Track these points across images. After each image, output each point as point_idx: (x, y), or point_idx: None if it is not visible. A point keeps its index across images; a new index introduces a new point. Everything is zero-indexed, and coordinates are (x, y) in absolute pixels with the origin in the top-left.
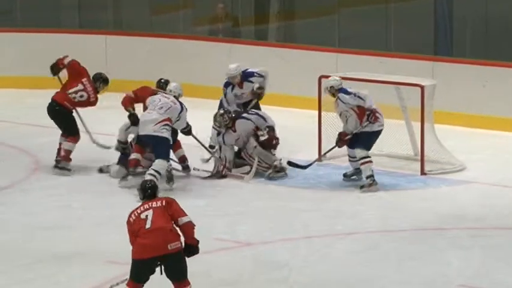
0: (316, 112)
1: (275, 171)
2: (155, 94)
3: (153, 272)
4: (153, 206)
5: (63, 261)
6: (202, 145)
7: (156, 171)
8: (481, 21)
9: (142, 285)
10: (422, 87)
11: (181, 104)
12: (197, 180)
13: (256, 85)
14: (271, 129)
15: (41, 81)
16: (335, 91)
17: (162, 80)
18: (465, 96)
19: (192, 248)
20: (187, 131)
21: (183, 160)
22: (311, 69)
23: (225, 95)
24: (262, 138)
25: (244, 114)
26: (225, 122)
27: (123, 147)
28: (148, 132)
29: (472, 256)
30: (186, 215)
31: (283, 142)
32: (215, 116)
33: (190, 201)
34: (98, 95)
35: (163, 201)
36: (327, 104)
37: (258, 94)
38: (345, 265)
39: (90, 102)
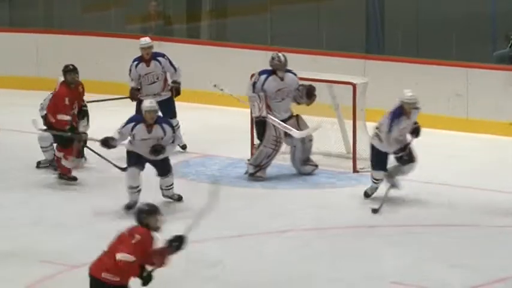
0: (248, 110)
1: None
2: None
3: None
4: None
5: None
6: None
7: None
8: (413, 19)
9: None
10: (354, 85)
11: None
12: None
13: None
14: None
15: None
16: None
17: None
18: (397, 94)
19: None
20: None
21: None
22: (243, 67)
23: (130, 71)
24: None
25: None
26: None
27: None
28: None
29: (404, 253)
30: (129, 255)
31: (216, 140)
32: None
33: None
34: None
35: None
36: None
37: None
38: (278, 263)
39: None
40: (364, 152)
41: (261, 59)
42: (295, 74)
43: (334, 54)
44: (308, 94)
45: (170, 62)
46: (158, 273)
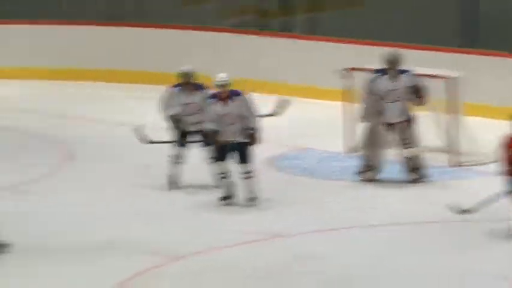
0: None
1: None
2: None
3: None
4: None
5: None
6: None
7: None
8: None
9: None
10: (449, 79)
11: None
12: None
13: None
14: None
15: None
16: None
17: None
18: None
19: None
20: None
21: None
22: (336, 61)
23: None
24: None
25: None
26: None
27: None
28: None
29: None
30: None
31: (312, 134)
32: None
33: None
34: None
35: None
36: (351, 96)
37: None
38: (376, 257)
39: None
40: (462, 146)
41: (354, 53)
42: (410, 73)
43: (425, 48)
44: (416, 93)
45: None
46: (257, 267)
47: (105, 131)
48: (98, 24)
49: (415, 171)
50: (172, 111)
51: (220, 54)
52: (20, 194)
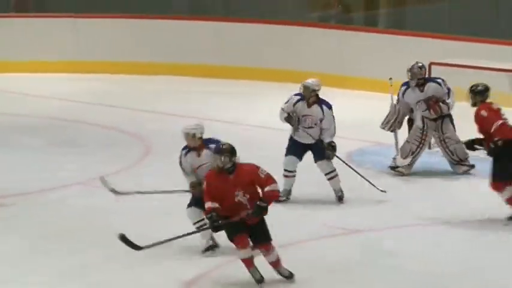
0: None
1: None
2: None
3: None
4: None
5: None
6: None
7: None
8: None
9: None
10: None
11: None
12: (308, 168)
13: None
14: None
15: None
16: None
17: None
18: None
19: None
20: None
21: None
22: (420, 56)
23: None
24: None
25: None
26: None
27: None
28: None
29: None
30: None
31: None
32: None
33: (301, 188)
34: None
35: None
36: None
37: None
38: (452, 253)
39: None
40: None
41: (438, 48)
42: (438, 83)
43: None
44: (427, 106)
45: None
46: (336, 261)
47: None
48: (183, 19)
49: (461, 163)
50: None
51: (302, 48)
52: (101, 189)
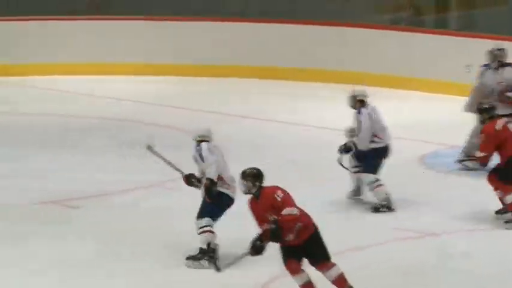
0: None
1: None
2: None
3: None
4: None
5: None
6: None
7: None
8: None
9: None
10: None
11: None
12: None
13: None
14: None
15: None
16: None
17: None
18: None
19: None
20: None
21: None
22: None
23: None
24: None
25: None
26: None
27: None
28: None
29: None
30: None
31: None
32: None
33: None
34: None
35: None
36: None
37: None
38: None
39: None
40: None
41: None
42: None
43: None
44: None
45: None
46: (410, 262)
47: (255, 128)
48: (247, 21)
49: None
50: None
51: (371, 51)
52: (167, 191)
